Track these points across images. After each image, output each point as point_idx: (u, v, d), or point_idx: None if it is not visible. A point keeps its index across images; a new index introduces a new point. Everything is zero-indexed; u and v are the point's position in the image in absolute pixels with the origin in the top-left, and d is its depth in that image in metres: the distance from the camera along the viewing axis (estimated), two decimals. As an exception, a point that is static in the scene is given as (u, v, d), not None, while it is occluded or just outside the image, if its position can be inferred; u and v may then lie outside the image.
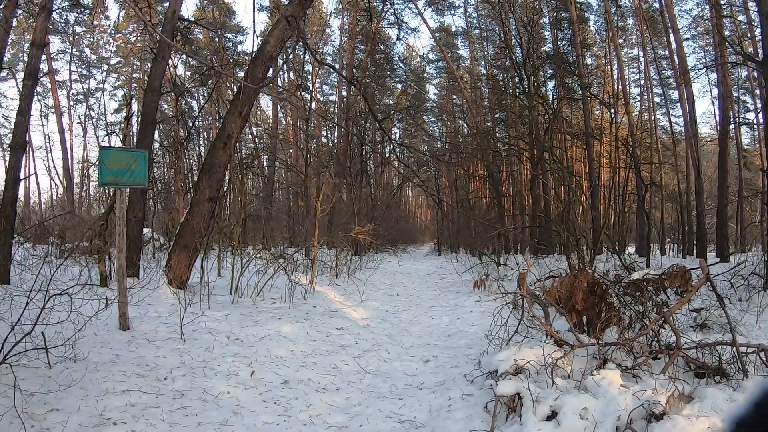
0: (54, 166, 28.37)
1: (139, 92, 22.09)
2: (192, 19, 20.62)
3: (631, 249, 20.74)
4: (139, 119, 10.14)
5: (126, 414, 3.80)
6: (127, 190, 6.53)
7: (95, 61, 27.22)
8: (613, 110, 18.15)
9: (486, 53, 26.52)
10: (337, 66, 25.23)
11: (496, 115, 24.69)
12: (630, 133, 18.44)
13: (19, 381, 3.62)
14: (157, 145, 24.06)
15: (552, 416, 3.72)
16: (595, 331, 4.75)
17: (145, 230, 18.42)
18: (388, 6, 22.29)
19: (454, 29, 27.65)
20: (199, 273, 8.86)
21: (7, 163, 9.40)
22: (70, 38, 25.02)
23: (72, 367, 4.28)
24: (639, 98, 23.87)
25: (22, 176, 9.48)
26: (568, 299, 4.98)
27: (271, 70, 10.39)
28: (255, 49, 9.19)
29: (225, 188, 13.41)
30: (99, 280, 8.57)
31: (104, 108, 26.99)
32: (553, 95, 21.67)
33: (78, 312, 4.58)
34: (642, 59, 23.00)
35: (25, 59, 22.33)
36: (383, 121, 22.20)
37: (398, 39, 25.72)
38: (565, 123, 20.59)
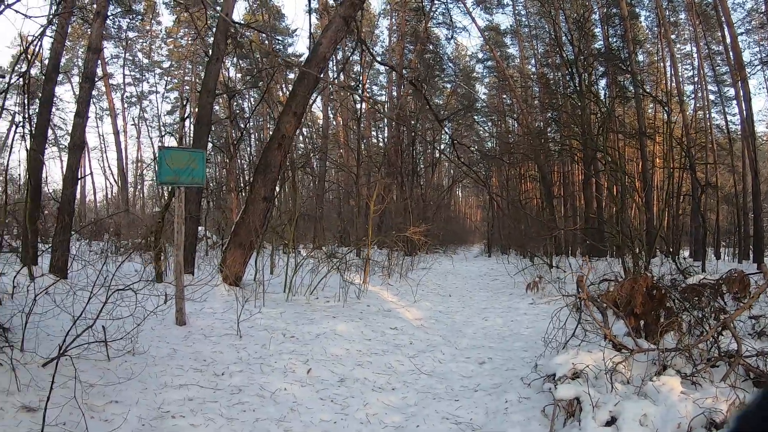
0: (109, 166, 29.61)
1: (191, 95, 22.57)
2: (242, 22, 21.04)
3: (685, 252, 19.75)
4: (194, 121, 10.28)
5: (184, 408, 3.76)
6: (185, 189, 6.61)
7: (148, 65, 28.07)
8: (666, 108, 17.32)
9: (536, 51, 25.90)
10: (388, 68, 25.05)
11: (548, 115, 24.06)
12: (684, 132, 17.54)
13: (80, 373, 3.62)
14: (210, 145, 24.60)
15: (611, 422, 3.53)
16: (654, 336, 4.47)
17: (199, 228, 18.82)
18: (437, 5, 22.09)
19: (503, 28, 27.20)
20: (253, 271, 8.90)
21: (66, 163, 9.66)
22: (124, 43, 25.83)
23: (131, 360, 4.29)
24: (693, 96, 22.70)
25: (80, 175, 9.77)
26: (627, 303, 4.70)
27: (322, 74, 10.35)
28: (308, 50, 9.20)
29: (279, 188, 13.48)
30: (155, 276, 8.73)
31: (158, 110, 27.68)
32: (605, 93, 20.98)
33: (142, 306, 4.62)
34: (695, 55, 21.74)
35: (80, 64, 23.46)
36: (444, 120, 22.24)
37: (448, 39, 25.45)
38: (618, 122, 19.84)
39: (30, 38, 9.08)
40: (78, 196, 26.68)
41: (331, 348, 5.60)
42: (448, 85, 28.33)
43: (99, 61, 25.59)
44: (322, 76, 11.37)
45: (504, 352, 6.35)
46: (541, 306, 8.97)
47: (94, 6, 10.56)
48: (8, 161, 12.38)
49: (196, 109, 10.17)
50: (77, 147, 9.41)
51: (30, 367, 3.67)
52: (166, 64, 28.53)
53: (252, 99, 24.18)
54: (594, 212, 17.26)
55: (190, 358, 4.64)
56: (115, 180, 28.27)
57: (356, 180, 20.56)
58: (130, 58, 27.41)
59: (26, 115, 9.83)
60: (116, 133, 27.19)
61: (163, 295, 5.65)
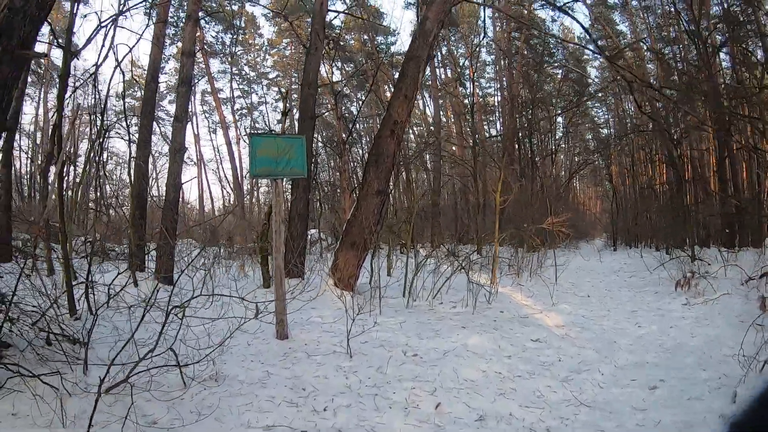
0: (225, 176, 30.10)
1: (288, 89, 22.53)
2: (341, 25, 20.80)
3: None
4: (298, 116, 9.62)
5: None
6: (284, 181, 5.80)
7: (255, 77, 28.63)
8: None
9: (649, 25, 22.78)
10: (492, 58, 24.33)
11: (669, 92, 21.25)
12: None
13: (145, 404, 2.77)
14: (320, 146, 24.47)
15: None
16: None
17: (313, 231, 18.49)
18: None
19: (611, 1, 24.32)
20: (368, 274, 7.93)
21: (168, 168, 9.37)
22: (229, 58, 26.56)
23: (211, 388, 3.40)
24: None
25: (183, 180, 9.45)
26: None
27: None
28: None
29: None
30: (262, 281, 8.08)
31: (267, 120, 28.11)
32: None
33: (238, 318, 3.78)
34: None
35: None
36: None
37: (554, 20, 23.50)
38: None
39: (120, 46, 8.85)
40: (197, 206, 28.06)
41: (463, 370, 4.39)
42: (558, 72, 26.00)
43: (207, 77, 26.83)
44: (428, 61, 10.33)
45: (675, 371, 4.79)
46: (698, 307, 7.32)
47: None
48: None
49: (299, 103, 9.47)
50: (178, 151, 9.09)
51: (90, 395, 2.89)
52: (272, 75, 28.96)
53: (359, 102, 23.56)
54: (733, 196, 14.42)
55: (285, 386, 3.66)
56: (230, 189, 29.05)
57: (474, 173, 19.25)
58: (237, 71, 28.09)
59: (126, 124, 9.76)
60: (228, 144, 28.08)
61: (262, 303, 4.76)
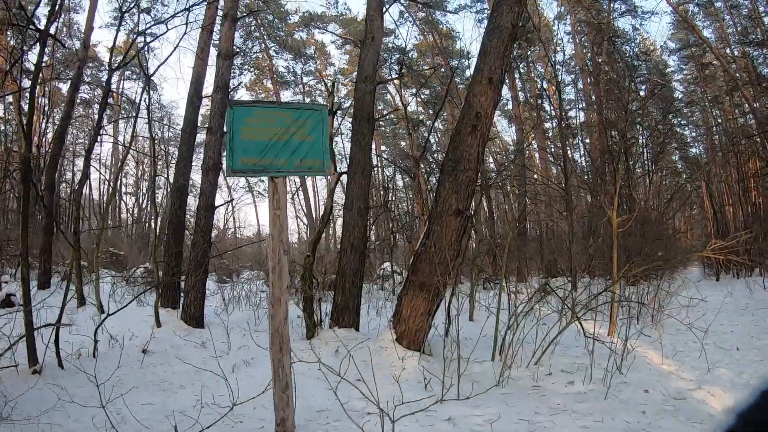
0: (302, 207, 29.17)
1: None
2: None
3: None
4: (352, 117, 7.84)
5: None
6: (287, 181, 3.45)
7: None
8: None
9: (736, 28, 20.34)
10: (572, 77, 22.66)
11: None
12: None
13: None
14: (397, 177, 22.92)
15: None
16: None
17: (386, 264, 16.67)
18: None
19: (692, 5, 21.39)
20: (440, 320, 5.84)
21: (200, 187, 7.90)
22: (301, 87, 26.12)
23: None
24: None
25: (218, 202, 7.93)
26: None
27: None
28: None
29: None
30: (305, 331, 6.25)
31: (344, 149, 27.23)
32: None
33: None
34: None
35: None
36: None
37: (635, 29, 21.29)
38: None
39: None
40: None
41: None
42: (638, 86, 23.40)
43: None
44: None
45: None
46: None
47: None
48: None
49: (354, 101, 7.69)
50: (211, 169, 7.58)
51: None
52: (346, 104, 28.02)
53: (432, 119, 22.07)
54: None
55: None
56: (307, 219, 28.01)
57: (566, 196, 16.83)
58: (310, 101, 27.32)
59: (154, 136, 8.41)
60: (302, 177, 27.02)
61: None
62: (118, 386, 4.41)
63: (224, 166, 3.00)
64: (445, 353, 4.61)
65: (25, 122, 5.51)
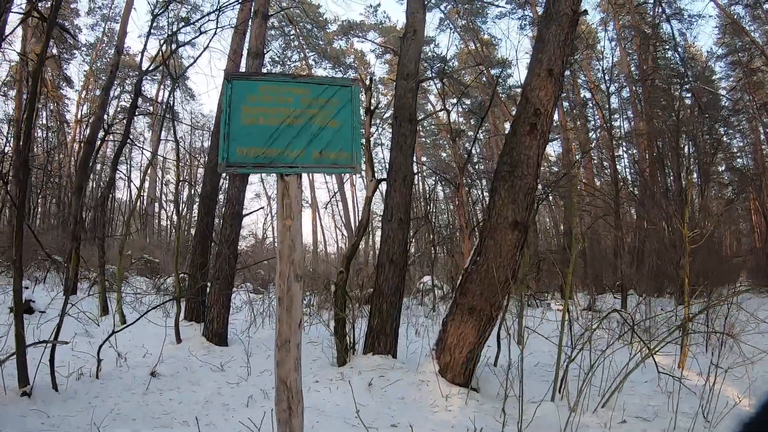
0: (341, 218, 28.98)
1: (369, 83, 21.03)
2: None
3: None
4: (392, 116, 7.14)
5: None
6: (302, 180, 2.61)
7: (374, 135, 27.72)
8: None
9: None
10: (615, 86, 21.05)
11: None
12: None
13: None
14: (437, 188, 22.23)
15: None
16: None
17: (426, 278, 15.92)
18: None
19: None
20: (488, 348, 5.03)
21: (226, 194, 7.38)
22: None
23: None
24: None
25: (245, 211, 7.36)
26: None
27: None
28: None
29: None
30: (335, 356, 5.57)
31: (383, 159, 27.03)
32: None
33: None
34: None
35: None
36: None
37: (681, 33, 20.18)
38: None
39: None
40: (310, 251, 27.02)
41: None
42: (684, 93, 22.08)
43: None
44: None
45: None
46: None
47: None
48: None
49: (394, 100, 6.99)
50: (237, 175, 7.01)
51: None
52: (385, 112, 27.67)
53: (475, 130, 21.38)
54: None
55: None
56: (346, 230, 27.76)
57: (614, 207, 15.98)
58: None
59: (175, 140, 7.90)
60: (341, 184, 27.45)
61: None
62: (112, 417, 3.82)
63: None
64: (498, 390, 3.86)
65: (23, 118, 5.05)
